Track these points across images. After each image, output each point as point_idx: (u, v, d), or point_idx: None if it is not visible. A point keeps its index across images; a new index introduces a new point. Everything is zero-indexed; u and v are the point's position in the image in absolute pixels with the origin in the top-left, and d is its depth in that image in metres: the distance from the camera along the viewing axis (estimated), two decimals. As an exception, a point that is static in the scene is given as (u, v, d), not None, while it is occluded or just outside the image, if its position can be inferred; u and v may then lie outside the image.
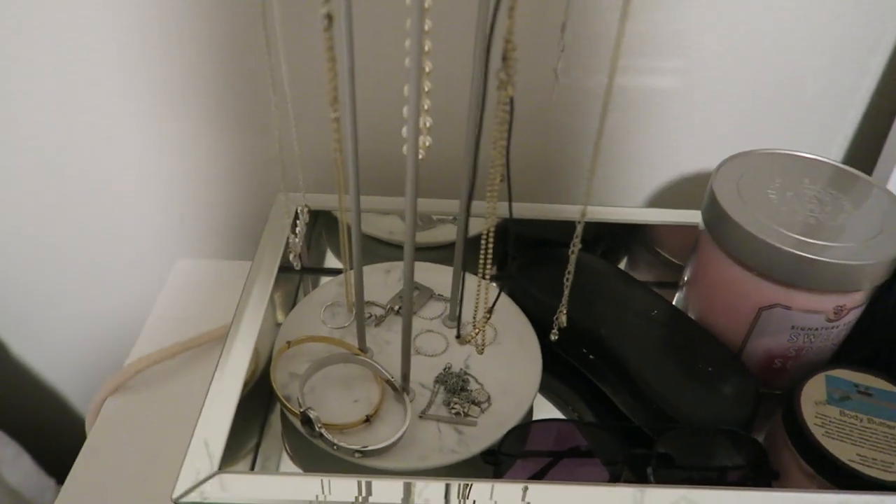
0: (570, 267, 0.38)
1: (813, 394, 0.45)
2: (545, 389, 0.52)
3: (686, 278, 0.55)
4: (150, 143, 0.62)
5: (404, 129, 0.34)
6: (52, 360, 0.80)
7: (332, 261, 0.63)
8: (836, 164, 0.53)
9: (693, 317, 0.53)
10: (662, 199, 0.66)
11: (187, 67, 0.57)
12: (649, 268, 0.65)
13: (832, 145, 0.63)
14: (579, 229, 0.37)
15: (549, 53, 0.53)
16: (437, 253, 0.60)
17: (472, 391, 0.48)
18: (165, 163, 0.63)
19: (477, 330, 0.41)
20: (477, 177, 0.36)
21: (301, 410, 0.43)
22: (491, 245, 0.37)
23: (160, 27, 0.55)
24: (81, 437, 0.53)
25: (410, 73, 0.32)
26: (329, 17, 0.28)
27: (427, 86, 0.39)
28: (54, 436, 0.82)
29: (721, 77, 0.58)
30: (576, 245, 0.38)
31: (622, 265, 0.65)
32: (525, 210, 0.59)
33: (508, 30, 0.29)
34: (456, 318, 0.53)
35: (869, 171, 0.61)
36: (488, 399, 0.48)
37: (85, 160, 0.63)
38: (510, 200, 0.35)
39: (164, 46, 0.56)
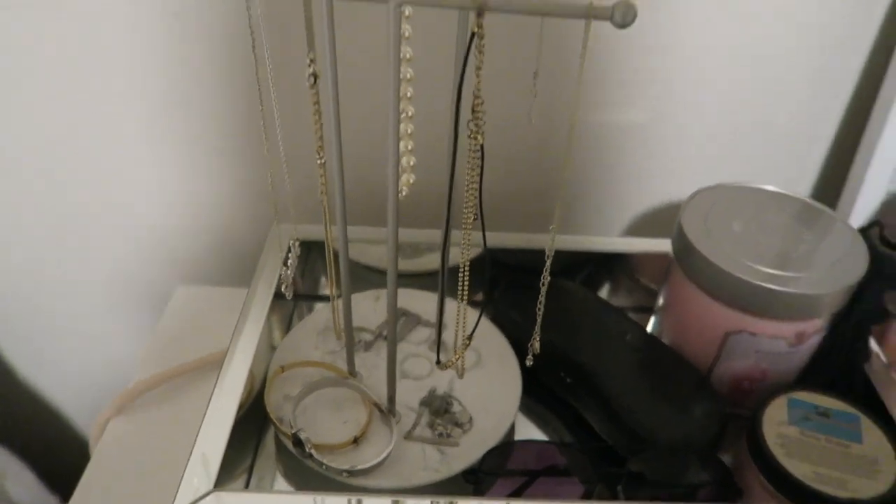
0: (541, 297, 0.41)
1: (775, 415, 0.48)
2: (526, 410, 0.54)
3: (659, 304, 0.58)
4: (154, 175, 0.65)
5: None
6: (57, 382, 0.83)
7: (326, 288, 0.66)
8: (799, 197, 0.56)
9: (666, 341, 0.56)
10: (639, 227, 0.69)
11: (188, 106, 0.60)
12: (628, 293, 0.68)
13: (801, 180, 0.66)
14: (548, 263, 0.40)
15: (527, 92, 0.56)
16: (424, 280, 0.63)
17: (455, 413, 0.51)
18: (169, 194, 0.67)
19: (457, 356, 0.44)
20: (459, 211, 0.39)
21: (293, 432, 0.46)
22: (467, 277, 0.40)
23: (168, 70, 0.58)
24: (85, 456, 0.55)
25: (390, 124, 0.35)
26: (314, 76, 0.32)
27: (410, 128, 0.42)
28: (59, 454, 0.85)
29: (693, 112, 0.62)
30: (545, 276, 0.41)
31: (603, 291, 0.68)
32: (507, 239, 0.63)
33: (476, 86, 0.32)
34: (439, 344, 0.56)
35: (835, 205, 0.64)
36: (470, 420, 0.51)
37: (91, 191, 0.66)
38: (483, 234, 0.39)
39: (170, 86, 0.59)
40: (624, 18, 0.29)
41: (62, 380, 0.83)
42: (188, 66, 0.58)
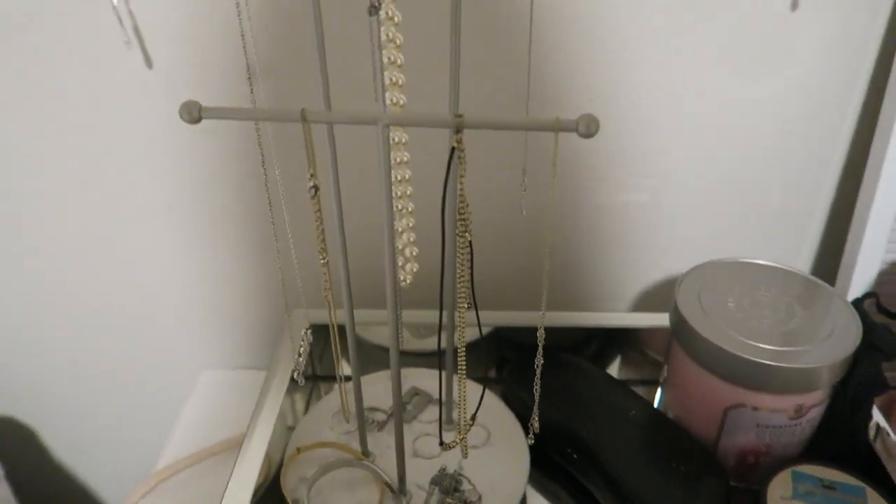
0: (537, 378, 0.44)
1: (780, 489, 0.49)
2: (535, 486, 0.56)
3: (663, 378, 0.60)
4: (178, 270, 0.70)
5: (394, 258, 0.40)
6: (88, 465, 0.86)
7: (342, 369, 0.69)
8: (791, 270, 0.58)
9: (671, 415, 0.57)
10: (645, 301, 0.71)
11: (210, 204, 0.66)
12: (637, 367, 0.69)
13: (798, 254, 0.68)
14: (540, 346, 0.42)
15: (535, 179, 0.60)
16: (436, 359, 0.66)
17: (464, 491, 0.53)
18: (193, 286, 0.71)
19: (461, 436, 0.46)
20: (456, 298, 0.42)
21: (307, 512, 0.48)
22: (462, 360, 0.42)
23: (195, 181, 0.64)
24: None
25: (384, 219, 0.39)
26: (315, 188, 0.36)
27: (410, 221, 0.46)
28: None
29: (689, 191, 0.65)
30: (539, 357, 0.43)
31: (614, 365, 0.70)
32: (516, 318, 0.65)
33: (460, 191, 0.36)
34: (450, 422, 0.58)
35: (833, 277, 0.66)
36: (479, 499, 0.52)
37: (122, 285, 0.71)
38: (478, 318, 0.41)
39: (197, 194, 0.65)
40: (588, 129, 0.33)
41: (93, 463, 0.86)
42: (212, 171, 0.63)
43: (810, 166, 0.64)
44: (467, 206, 0.37)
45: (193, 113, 0.34)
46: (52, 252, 0.69)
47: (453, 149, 0.34)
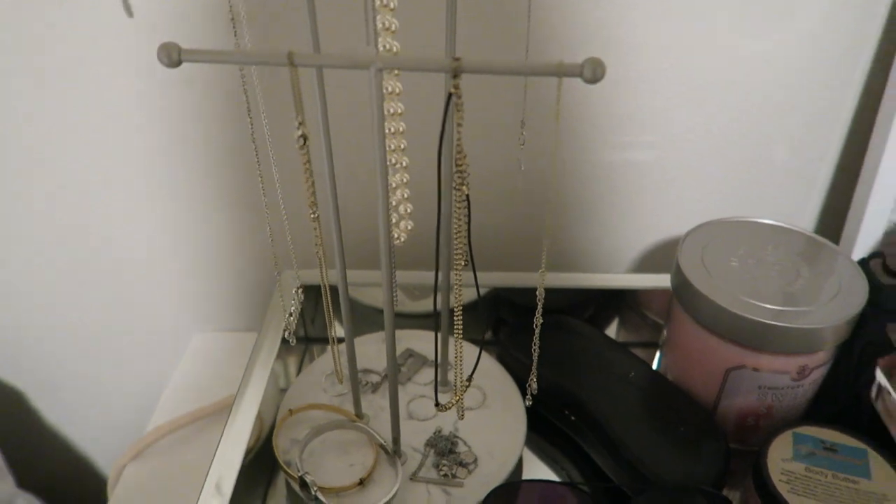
0: (535, 338, 0.42)
1: (781, 451, 0.48)
2: (532, 448, 0.55)
3: (663, 340, 0.59)
4: (167, 229, 0.68)
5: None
6: (79, 427, 0.85)
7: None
8: (796, 230, 0.57)
9: (670, 377, 0.56)
10: (645, 263, 0.70)
11: (196, 160, 0.63)
12: (637, 329, 0.68)
13: (803, 214, 0.66)
14: (540, 305, 0.41)
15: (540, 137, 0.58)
16: (431, 320, 0.64)
17: (460, 453, 0.52)
18: (182, 246, 0.69)
19: (457, 397, 0.45)
20: (452, 257, 0.41)
21: (299, 475, 0.47)
22: (461, 319, 0.41)
23: (179, 135, 0.61)
24: (103, 499, 0.57)
25: (378, 175, 0.37)
26: (304, 137, 0.34)
27: (405, 177, 0.44)
28: (79, 497, 0.87)
29: (693, 150, 0.63)
30: (538, 317, 0.42)
31: (612, 327, 0.69)
32: (513, 278, 0.64)
33: (458, 141, 0.34)
34: (445, 384, 0.57)
35: (838, 237, 0.64)
36: (475, 461, 0.51)
37: (109, 245, 0.69)
38: (476, 279, 0.40)
39: (181, 149, 0.62)
40: (594, 74, 0.31)
41: (84, 424, 0.85)
42: (196, 124, 0.61)
43: (817, 123, 0.62)
44: (465, 156, 0.35)
45: (173, 55, 0.32)
46: (35, 210, 0.67)
47: (450, 95, 0.32)
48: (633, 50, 0.57)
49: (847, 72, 0.59)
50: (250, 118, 0.37)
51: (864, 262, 0.53)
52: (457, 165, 0.35)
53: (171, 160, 0.63)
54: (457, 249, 0.38)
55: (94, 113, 0.60)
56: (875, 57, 0.58)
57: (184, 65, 0.32)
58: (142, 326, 0.76)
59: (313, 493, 0.46)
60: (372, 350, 0.60)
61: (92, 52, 0.57)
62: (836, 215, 0.65)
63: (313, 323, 0.65)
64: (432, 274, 0.64)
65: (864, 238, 0.61)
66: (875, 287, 0.50)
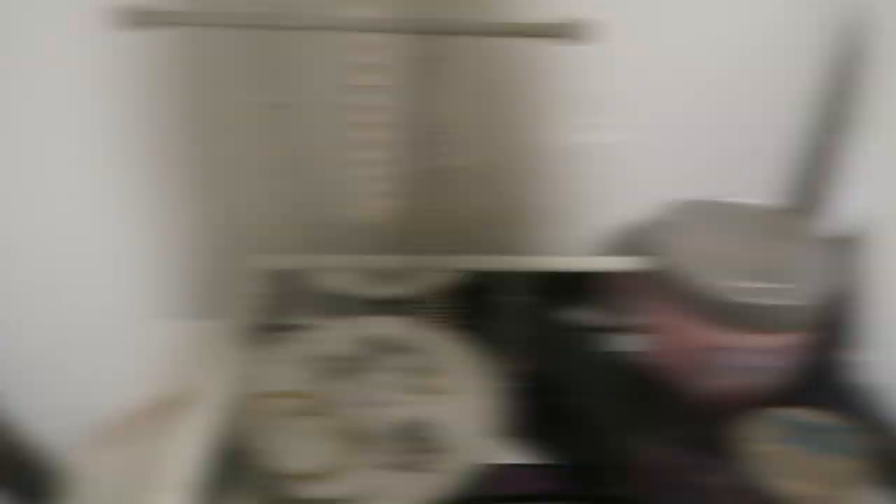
0: (508, 324, 0.41)
1: (758, 430, 0.48)
2: (507, 434, 0.54)
3: (638, 322, 0.58)
4: (120, 215, 0.65)
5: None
6: (40, 415, 0.82)
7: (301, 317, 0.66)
8: (772, 209, 0.56)
9: (647, 359, 0.56)
10: (617, 246, 0.69)
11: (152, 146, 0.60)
12: (611, 311, 0.67)
13: (779, 193, 0.66)
14: (511, 292, 0.39)
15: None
16: (398, 306, 0.63)
17: (430, 439, 0.50)
18: (139, 232, 0.66)
19: (430, 382, 0.44)
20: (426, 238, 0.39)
21: (267, 462, 0.45)
22: (430, 305, 0.39)
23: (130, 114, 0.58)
24: (63, 489, 0.55)
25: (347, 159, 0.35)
26: (271, 106, 0.31)
27: (377, 154, 0.43)
28: (40, 486, 0.84)
29: (660, 130, 0.62)
30: (510, 303, 0.40)
31: (587, 309, 0.68)
32: (482, 262, 0.62)
33: (435, 113, 0.32)
34: (416, 370, 0.55)
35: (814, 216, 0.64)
36: (447, 447, 0.50)
37: (56, 233, 0.66)
38: (445, 265, 0.38)
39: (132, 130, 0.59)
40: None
41: (40, 420, 0.82)
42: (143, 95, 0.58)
43: (783, 102, 0.61)
44: (445, 127, 0.33)
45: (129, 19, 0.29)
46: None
47: (423, 60, 0.30)
48: (595, 31, 0.56)
49: (813, 49, 0.59)
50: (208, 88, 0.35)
51: (840, 243, 0.53)
52: (433, 136, 0.34)
53: (122, 137, 0.60)
54: (428, 233, 0.37)
55: (34, 91, 0.57)
56: (839, 35, 0.58)
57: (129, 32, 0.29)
58: (97, 317, 0.73)
59: (282, 480, 0.44)
60: (338, 336, 0.58)
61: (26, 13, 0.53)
62: (813, 195, 0.65)
63: (278, 309, 0.62)
64: (401, 258, 0.62)
65: (842, 219, 0.60)
66: (853, 266, 0.50)
